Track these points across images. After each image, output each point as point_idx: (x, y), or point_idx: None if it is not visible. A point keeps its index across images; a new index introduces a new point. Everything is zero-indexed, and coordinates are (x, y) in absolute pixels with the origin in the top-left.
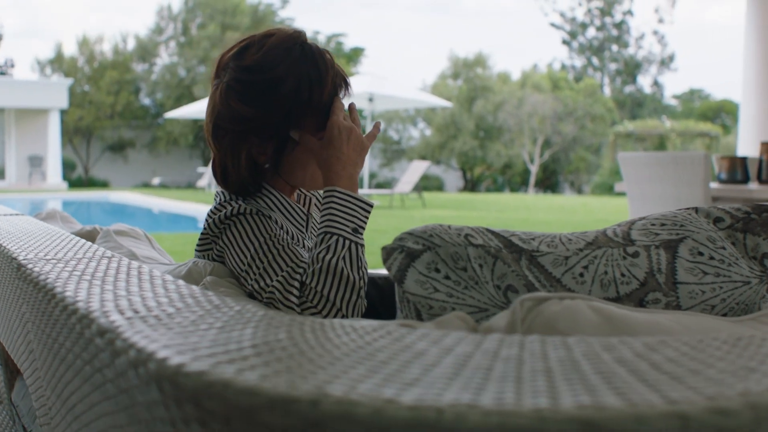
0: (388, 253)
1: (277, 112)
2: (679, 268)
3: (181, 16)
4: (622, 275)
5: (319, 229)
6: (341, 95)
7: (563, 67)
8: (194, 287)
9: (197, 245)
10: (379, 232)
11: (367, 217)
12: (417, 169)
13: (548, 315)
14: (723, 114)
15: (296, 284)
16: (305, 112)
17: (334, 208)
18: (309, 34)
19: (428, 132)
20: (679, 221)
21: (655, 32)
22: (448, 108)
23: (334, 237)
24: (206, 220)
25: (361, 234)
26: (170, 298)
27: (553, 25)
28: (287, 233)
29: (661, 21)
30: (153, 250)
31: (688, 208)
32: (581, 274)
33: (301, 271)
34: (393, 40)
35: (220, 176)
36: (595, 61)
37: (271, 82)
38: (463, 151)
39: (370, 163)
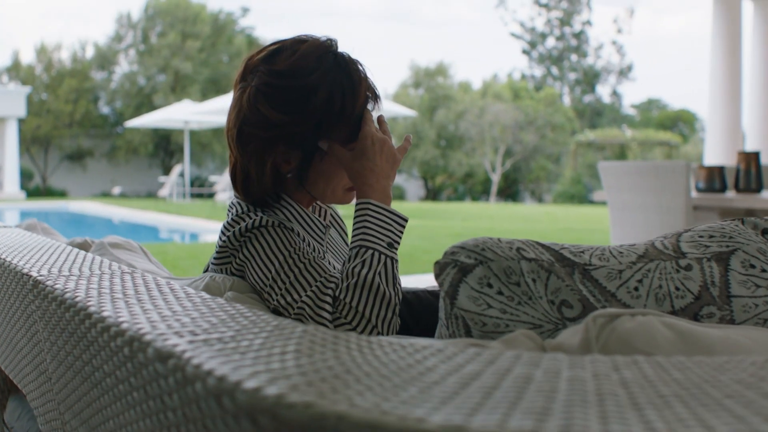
0: (441, 267)
1: (308, 121)
2: (732, 281)
3: (140, 24)
4: (677, 289)
5: (352, 243)
6: (370, 107)
7: (523, 76)
8: (240, 305)
9: (214, 258)
10: None
11: (402, 232)
12: None
13: (623, 332)
14: (680, 123)
15: (328, 299)
16: (336, 122)
17: (369, 221)
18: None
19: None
20: (728, 233)
21: (614, 42)
22: (410, 117)
23: (369, 251)
24: (223, 233)
25: (396, 249)
26: (219, 317)
27: (513, 34)
28: (309, 246)
29: (619, 31)
30: (150, 263)
31: (733, 219)
32: (636, 288)
33: (332, 285)
34: (353, 49)
35: (240, 184)
36: (554, 70)
37: (304, 89)
38: (425, 160)
39: None
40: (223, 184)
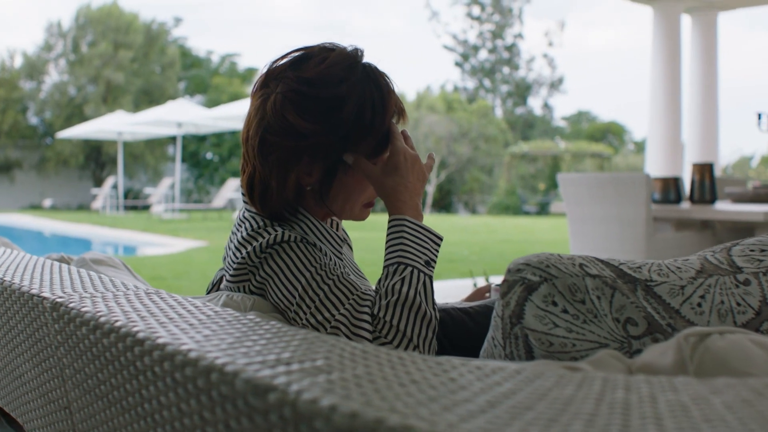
0: (509, 286)
1: (336, 132)
2: None
3: (71, 33)
4: (738, 304)
5: (389, 259)
6: (395, 121)
7: (456, 88)
8: (287, 327)
9: (230, 276)
10: None
11: (438, 250)
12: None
13: (716, 351)
14: (610, 135)
15: (365, 317)
16: (365, 135)
17: (407, 237)
18: (202, 54)
19: None
20: None
21: (545, 55)
22: None
23: (409, 268)
24: (239, 249)
25: (433, 268)
26: (288, 342)
27: (445, 47)
28: (331, 261)
29: (550, 44)
30: (137, 280)
31: None
32: (699, 304)
33: (367, 303)
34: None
35: (258, 195)
36: (487, 83)
37: (334, 99)
38: None
39: None
40: (158, 197)
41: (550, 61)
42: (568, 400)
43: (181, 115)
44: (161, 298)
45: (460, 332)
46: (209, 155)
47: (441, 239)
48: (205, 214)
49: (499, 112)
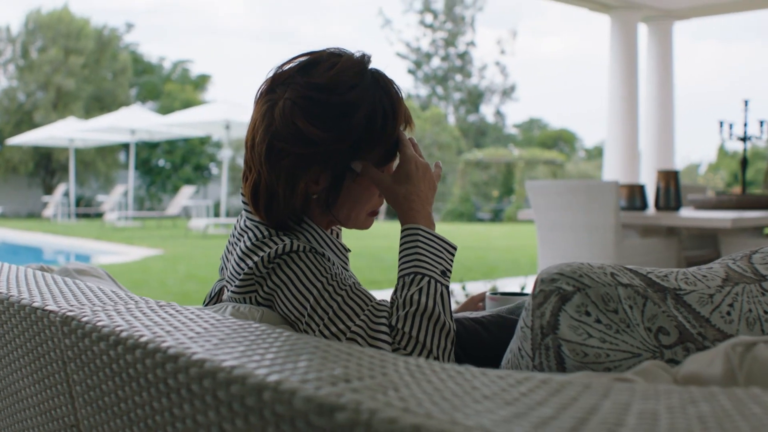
0: (546, 296)
1: (346, 139)
2: None
3: (20, 38)
4: (765, 312)
5: (404, 269)
6: (403, 129)
7: (409, 96)
8: (324, 341)
9: (236, 287)
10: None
11: (453, 260)
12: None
13: (765, 361)
14: (561, 142)
15: (383, 328)
16: (374, 142)
17: (421, 248)
18: (154, 61)
19: None
20: None
21: (497, 63)
22: None
23: (426, 278)
24: (243, 260)
25: (449, 277)
26: (337, 357)
27: (398, 54)
28: (340, 271)
29: (502, 52)
30: (121, 290)
31: None
32: (728, 313)
33: (384, 313)
34: (236, 67)
35: (263, 204)
36: (440, 90)
37: (345, 105)
38: None
39: (216, 192)
40: (111, 204)
41: (503, 68)
42: (651, 413)
43: (135, 122)
44: (176, 310)
45: (474, 343)
46: (161, 162)
47: (455, 249)
48: (159, 222)
49: (451, 119)
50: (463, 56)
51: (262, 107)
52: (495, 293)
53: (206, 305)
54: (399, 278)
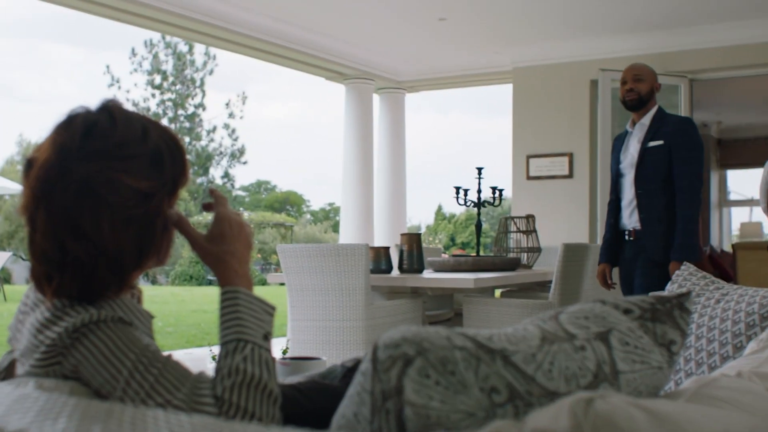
0: (393, 361)
1: (166, 185)
2: (617, 358)
3: None
4: (580, 369)
5: (227, 335)
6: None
7: None
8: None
9: (36, 360)
10: None
11: (272, 322)
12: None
13: (605, 415)
14: (288, 205)
15: (207, 400)
16: (179, 185)
17: (242, 311)
18: None
19: None
20: (599, 313)
21: (226, 126)
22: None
23: (249, 345)
24: (42, 331)
25: (270, 340)
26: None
27: None
28: (146, 341)
29: (231, 116)
30: None
31: (595, 301)
32: (550, 370)
33: (205, 384)
34: None
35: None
36: None
37: (153, 152)
38: None
39: None
40: None
41: (231, 131)
42: None
43: None
44: None
45: (296, 410)
46: None
47: (275, 309)
48: None
49: None
50: (191, 118)
51: (62, 195)
52: (285, 359)
53: None
54: (222, 345)
